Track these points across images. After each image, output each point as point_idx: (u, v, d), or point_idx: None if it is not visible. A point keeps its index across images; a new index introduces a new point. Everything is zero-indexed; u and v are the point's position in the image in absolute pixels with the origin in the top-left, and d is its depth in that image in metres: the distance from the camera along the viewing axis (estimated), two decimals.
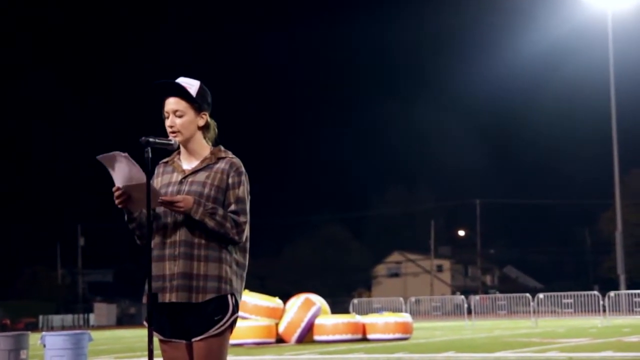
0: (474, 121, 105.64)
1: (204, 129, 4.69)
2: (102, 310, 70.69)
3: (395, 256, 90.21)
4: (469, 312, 37.27)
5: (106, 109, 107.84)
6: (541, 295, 37.85)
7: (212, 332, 4.49)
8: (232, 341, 20.97)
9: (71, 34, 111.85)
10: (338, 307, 53.05)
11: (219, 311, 4.49)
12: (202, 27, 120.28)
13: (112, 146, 4.73)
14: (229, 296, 4.53)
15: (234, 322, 4.56)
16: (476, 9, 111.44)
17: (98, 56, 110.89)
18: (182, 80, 4.62)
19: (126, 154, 4.35)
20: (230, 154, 4.69)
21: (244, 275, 4.70)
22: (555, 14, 57.79)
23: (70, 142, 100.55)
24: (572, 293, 39.27)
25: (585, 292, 38.42)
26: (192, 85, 4.61)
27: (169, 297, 4.47)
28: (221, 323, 4.50)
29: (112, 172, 4.44)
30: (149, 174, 4.38)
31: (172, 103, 4.61)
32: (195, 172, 4.62)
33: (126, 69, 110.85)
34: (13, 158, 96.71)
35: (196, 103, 4.61)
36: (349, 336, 22.22)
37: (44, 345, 9.90)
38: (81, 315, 68.54)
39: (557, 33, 61.04)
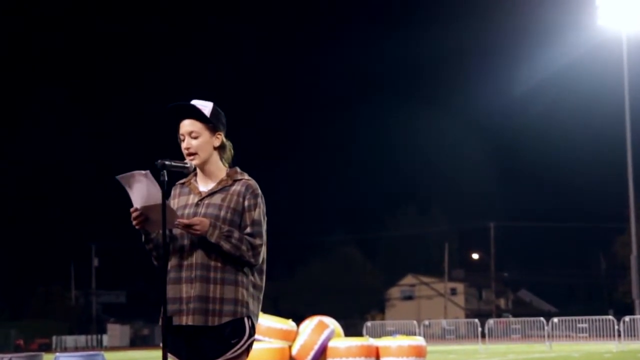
0: (489, 143, 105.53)
1: (220, 149, 4.70)
2: (116, 331, 70.67)
3: (409, 279, 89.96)
4: (483, 335, 37.09)
5: (121, 129, 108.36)
6: (555, 320, 37.64)
7: (228, 355, 4.49)
8: None
9: (88, 53, 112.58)
10: (351, 329, 52.87)
11: (235, 334, 4.49)
12: (215, 43, 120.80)
13: (127, 167, 4.75)
14: (246, 319, 4.53)
15: (251, 345, 4.55)
16: (491, 31, 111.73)
17: (114, 76, 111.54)
18: (196, 102, 4.65)
19: (147, 172, 4.36)
20: (246, 176, 4.70)
21: (261, 297, 4.70)
22: (570, 37, 57.80)
23: (85, 162, 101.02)
24: (587, 317, 39.07)
25: (600, 317, 38.21)
26: (205, 106, 4.64)
27: (185, 320, 4.48)
28: (238, 346, 4.50)
29: (130, 193, 4.45)
30: (165, 197, 4.40)
31: (187, 125, 4.63)
32: (211, 194, 4.63)
33: (143, 89, 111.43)
34: (27, 178, 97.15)
35: (211, 123, 4.63)
36: (362, 359, 22.13)
37: None
38: (94, 336, 68.52)
39: (572, 56, 61.02)
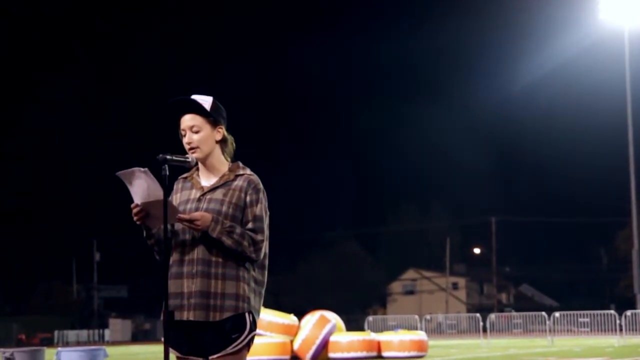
0: (490, 138, 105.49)
1: (222, 143, 4.71)
2: (117, 325, 70.73)
3: (411, 273, 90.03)
4: (484, 330, 37.10)
5: (123, 125, 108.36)
6: (557, 314, 37.63)
7: (229, 350, 4.49)
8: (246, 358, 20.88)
9: (88, 52, 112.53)
10: (353, 324, 52.93)
11: (236, 329, 4.50)
12: (215, 42, 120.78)
13: (128, 162, 4.75)
14: (247, 314, 4.54)
15: (251, 340, 4.56)
16: (491, 27, 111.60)
17: (115, 73, 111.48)
18: (195, 97, 4.65)
19: (146, 169, 4.37)
20: (248, 171, 4.70)
21: (263, 292, 4.70)
22: (571, 32, 57.71)
23: (86, 157, 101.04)
24: (589, 312, 39.05)
25: (602, 311, 38.19)
26: (205, 100, 4.65)
27: (186, 315, 4.49)
28: (238, 341, 4.51)
29: (130, 189, 4.45)
30: (166, 191, 4.39)
31: (188, 120, 4.63)
32: (213, 189, 4.63)
33: (143, 87, 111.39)
34: (29, 173, 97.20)
35: (211, 117, 4.64)
36: (364, 354, 22.16)
37: None
38: (96, 331, 68.59)
39: (573, 50, 60.95)
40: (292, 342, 22.30)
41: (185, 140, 4.65)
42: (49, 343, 59.99)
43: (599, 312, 38.23)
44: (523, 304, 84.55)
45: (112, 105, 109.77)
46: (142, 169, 4.37)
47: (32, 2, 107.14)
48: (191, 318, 4.47)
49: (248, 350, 4.58)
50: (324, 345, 22.27)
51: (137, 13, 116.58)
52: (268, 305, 25.74)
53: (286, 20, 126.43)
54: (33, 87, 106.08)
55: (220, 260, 4.50)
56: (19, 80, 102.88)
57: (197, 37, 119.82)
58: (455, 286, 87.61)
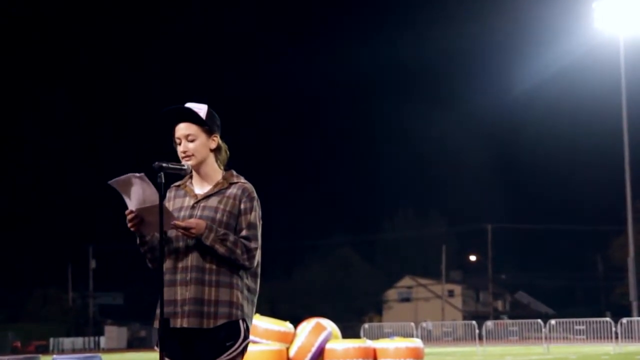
0: (486, 146, 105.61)
1: (216, 151, 4.70)
2: (113, 333, 70.62)
3: (406, 281, 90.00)
4: (480, 337, 37.11)
5: (118, 131, 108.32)
6: (553, 322, 37.66)
7: (223, 358, 4.49)
8: None
9: (87, 56, 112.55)
10: (349, 331, 52.87)
11: (230, 337, 4.49)
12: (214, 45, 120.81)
13: (124, 169, 4.75)
14: (240, 322, 4.53)
15: (245, 347, 4.56)
16: (488, 35, 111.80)
17: (113, 78, 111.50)
18: (190, 105, 4.64)
19: (142, 175, 4.34)
20: (242, 179, 4.70)
21: (255, 300, 4.70)
22: (567, 40, 57.84)
23: (82, 164, 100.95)
24: (585, 319, 39.06)
25: (598, 319, 38.22)
26: (200, 109, 4.63)
27: (180, 323, 4.48)
28: (233, 349, 4.50)
29: (124, 196, 4.43)
30: (162, 199, 4.38)
31: (183, 128, 4.62)
32: (207, 197, 4.63)
33: (141, 92, 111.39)
34: (25, 180, 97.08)
35: (206, 125, 4.63)
36: None
37: None
38: (92, 338, 68.51)
39: (569, 59, 61.14)
40: (288, 349, 22.26)
41: (180, 149, 4.63)
42: (44, 350, 59.93)
43: (594, 319, 38.26)
44: (519, 312, 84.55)
45: (109, 112, 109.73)
46: (137, 175, 4.35)
47: (32, 2, 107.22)
48: (185, 325, 4.46)
49: (242, 358, 4.57)
50: (320, 352, 22.24)
51: (137, 14, 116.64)
52: (264, 312, 25.72)
53: (286, 21, 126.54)
54: (30, 92, 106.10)
55: (214, 267, 4.50)
56: (17, 84, 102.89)
57: (197, 39, 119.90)
58: (451, 293, 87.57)
